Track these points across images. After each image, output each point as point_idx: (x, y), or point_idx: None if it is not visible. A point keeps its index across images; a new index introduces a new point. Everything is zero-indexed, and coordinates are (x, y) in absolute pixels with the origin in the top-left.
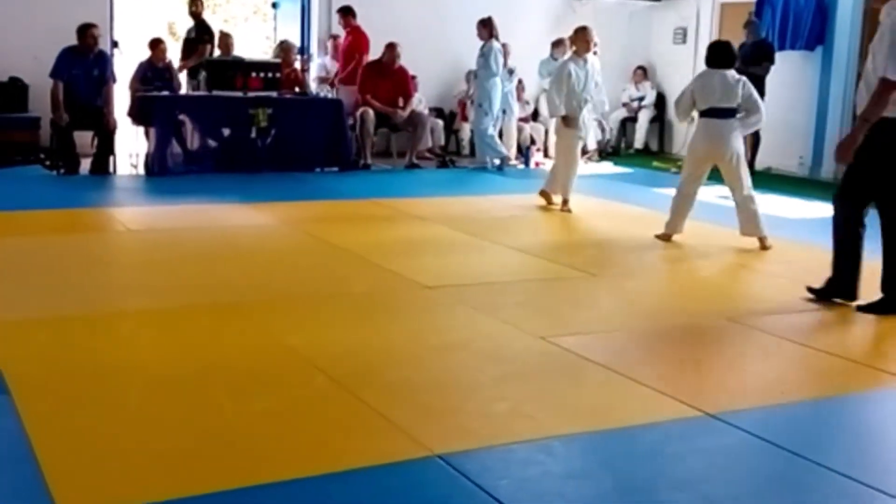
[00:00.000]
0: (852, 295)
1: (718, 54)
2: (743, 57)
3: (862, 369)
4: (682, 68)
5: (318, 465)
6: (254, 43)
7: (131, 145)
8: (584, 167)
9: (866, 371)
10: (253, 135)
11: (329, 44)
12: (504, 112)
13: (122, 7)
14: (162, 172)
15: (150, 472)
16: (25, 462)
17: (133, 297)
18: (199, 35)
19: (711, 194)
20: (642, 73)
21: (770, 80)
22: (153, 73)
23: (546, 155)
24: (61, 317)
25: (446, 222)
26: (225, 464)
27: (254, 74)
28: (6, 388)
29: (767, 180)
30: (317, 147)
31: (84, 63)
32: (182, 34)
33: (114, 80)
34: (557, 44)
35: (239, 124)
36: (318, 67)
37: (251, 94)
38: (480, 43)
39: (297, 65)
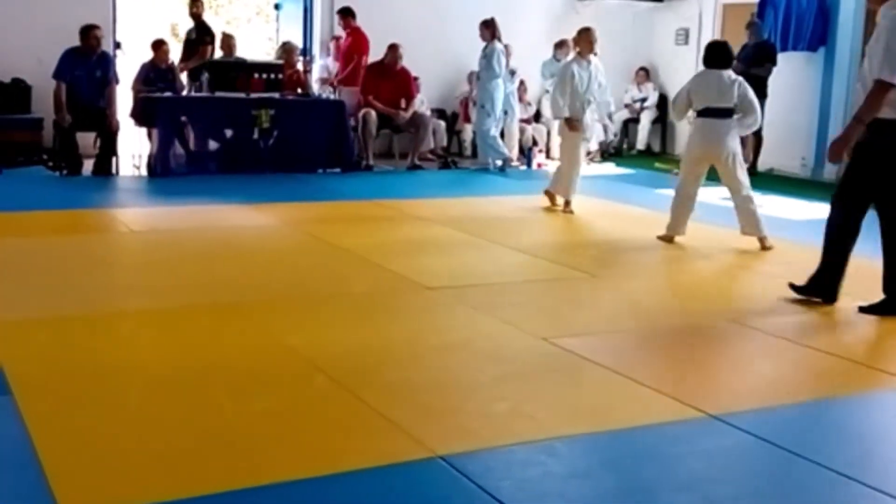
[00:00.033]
0: (832, 297)
1: (715, 54)
2: (745, 58)
3: (862, 370)
4: (684, 69)
5: (319, 465)
6: (256, 44)
7: (134, 146)
8: (587, 168)
9: (867, 372)
10: (255, 136)
11: (331, 45)
12: (506, 113)
13: (124, 8)
14: (164, 173)
15: (150, 472)
16: (28, 462)
17: (134, 297)
18: (200, 36)
19: (713, 196)
20: (644, 74)
21: (772, 82)
22: (156, 74)
23: (548, 156)
24: (62, 317)
25: (448, 223)
26: (225, 464)
27: (256, 76)
28: (8, 388)
29: (769, 181)
30: (319, 148)
31: (87, 64)
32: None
33: (116, 82)
34: (560, 45)
35: (241, 125)
36: (321, 69)
37: (254, 96)
38: (482, 44)
39: (300, 66)
